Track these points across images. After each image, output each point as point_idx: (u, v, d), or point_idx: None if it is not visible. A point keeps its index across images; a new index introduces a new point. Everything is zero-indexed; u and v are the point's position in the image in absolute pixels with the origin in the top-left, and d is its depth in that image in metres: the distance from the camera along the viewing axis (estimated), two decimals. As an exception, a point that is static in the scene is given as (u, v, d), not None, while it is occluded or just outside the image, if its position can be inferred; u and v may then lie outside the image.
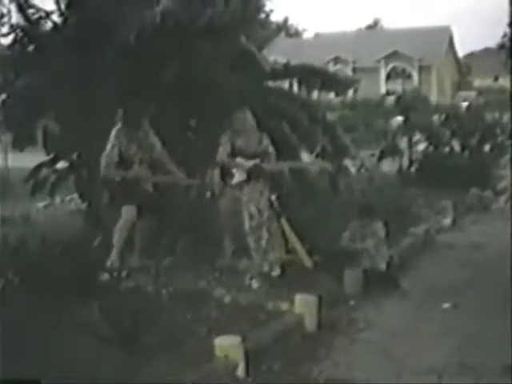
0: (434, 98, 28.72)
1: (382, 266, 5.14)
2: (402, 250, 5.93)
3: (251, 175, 5.00)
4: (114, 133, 5.02)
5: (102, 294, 4.18)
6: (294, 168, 5.76)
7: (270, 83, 6.61)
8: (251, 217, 4.94)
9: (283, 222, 5.04)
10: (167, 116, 5.45)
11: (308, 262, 4.92)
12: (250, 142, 5.09)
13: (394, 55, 34.34)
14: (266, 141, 5.17)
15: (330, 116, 8.75)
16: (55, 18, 5.85)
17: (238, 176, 5.04)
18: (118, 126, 5.06)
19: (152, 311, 3.85)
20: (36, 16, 5.80)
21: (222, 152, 5.05)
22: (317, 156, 6.25)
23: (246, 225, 4.96)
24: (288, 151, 5.76)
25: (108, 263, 4.83)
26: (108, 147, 5.00)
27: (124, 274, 4.75)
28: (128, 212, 4.89)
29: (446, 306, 4.55)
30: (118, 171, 4.99)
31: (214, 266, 4.98)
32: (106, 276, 4.67)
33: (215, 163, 5.11)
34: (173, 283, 4.57)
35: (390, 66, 34.98)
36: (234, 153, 5.05)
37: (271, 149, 5.16)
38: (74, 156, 5.98)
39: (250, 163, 5.00)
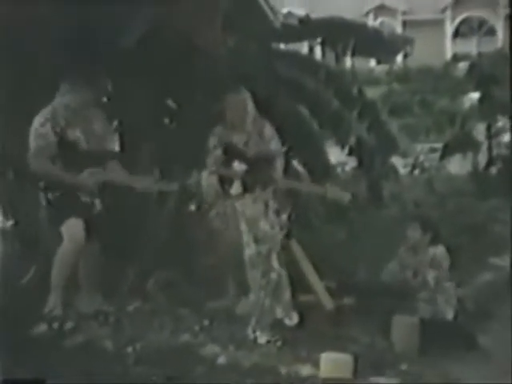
0: (526, 63, 28.64)
1: (449, 314, 5.28)
2: (477, 289, 6.04)
3: (247, 184, 5.17)
4: (49, 107, 5.09)
5: (38, 352, 4.32)
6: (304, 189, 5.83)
7: (282, 46, 6.79)
8: (257, 239, 5.08)
9: (293, 245, 5.19)
10: (132, 93, 5.61)
11: (328, 303, 5.08)
12: (249, 139, 5.23)
13: (468, 0, 34.26)
14: (269, 132, 5.29)
15: (371, 93, 8.90)
16: None
17: (237, 186, 5.21)
18: (57, 98, 5.15)
19: (111, 377, 3.99)
20: None
21: (213, 163, 5.21)
22: (350, 152, 6.39)
23: (249, 251, 5.11)
24: (306, 145, 5.91)
25: (46, 309, 4.96)
26: (35, 122, 5.02)
27: (70, 324, 4.88)
28: (73, 230, 4.97)
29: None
30: (53, 167, 5.02)
31: (202, 312, 5.12)
32: (43, 327, 4.80)
33: (204, 166, 5.28)
34: (141, 337, 4.70)
35: (461, 16, 34.87)
36: (229, 156, 5.20)
37: (275, 144, 5.28)
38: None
39: (242, 169, 5.18)
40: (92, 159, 5.10)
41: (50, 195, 5.06)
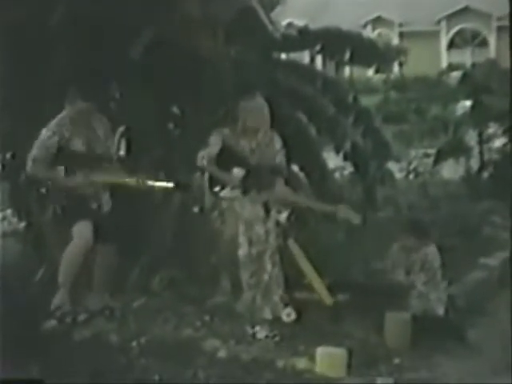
0: (517, 73, 28.64)
1: (439, 310, 5.29)
2: (468, 287, 6.05)
3: (247, 188, 5.19)
4: (56, 120, 5.17)
5: (47, 346, 4.36)
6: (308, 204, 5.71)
7: (283, 56, 6.79)
8: (251, 241, 5.12)
9: (291, 244, 5.20)
10: (138, 101, 5.64)
11: (327, 298, 5.08)
12: (257, 147, 5.24)
13: (462, 13, 34.22)
14: (277, 145, 5.30)
15: (367, 100, 8.93)
16: None
17: (230, 189, 5.22)
18: (66, 111, 5.21)
19: (117, 370, 4.02)
20: None
21: (204, 157, 5.17)
22: (345, 157, 6.40)
23: (242, 252, 5.14)
24: (304, 150, 5.93)
25: (53, 306, 4.99)
26: (42, 134, 5.11)
27: (78, 319, 4.91)
28: (82, 231, 5.04)
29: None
30: (49, 172, 5.10)
31: (203, 308, 5.15)
32: (52, 322, 4.85)
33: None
34: (146, 332, 4.73)
35: (456, 28, 34.88)
36: (228, 160, 5.18)
37: (280, 158, 5.28)
38: (7, 156, 6.18)
39: (240, 175, 5.17)
40: (93, 163, 5.17)
41: (56, 202, 5.12)
